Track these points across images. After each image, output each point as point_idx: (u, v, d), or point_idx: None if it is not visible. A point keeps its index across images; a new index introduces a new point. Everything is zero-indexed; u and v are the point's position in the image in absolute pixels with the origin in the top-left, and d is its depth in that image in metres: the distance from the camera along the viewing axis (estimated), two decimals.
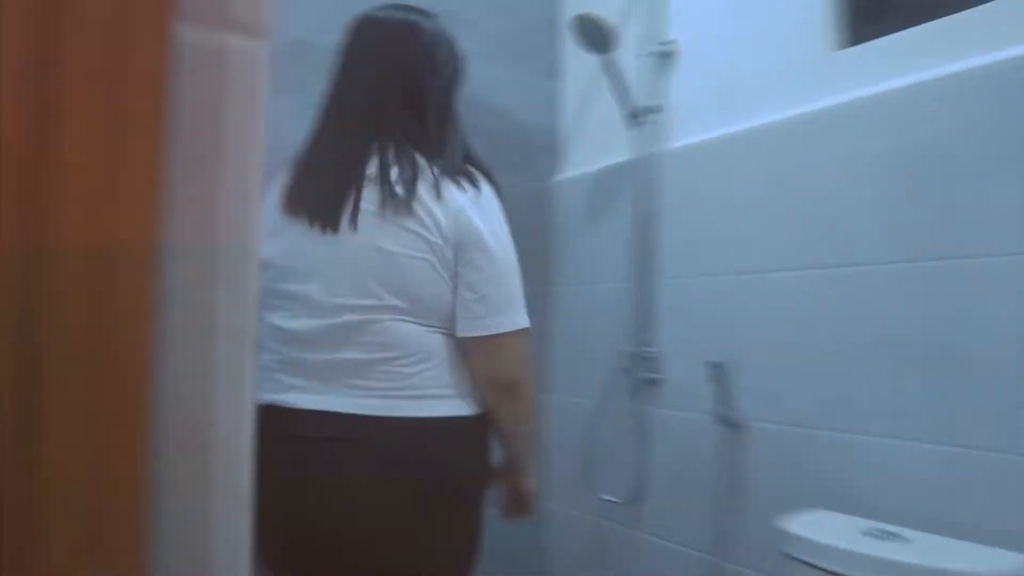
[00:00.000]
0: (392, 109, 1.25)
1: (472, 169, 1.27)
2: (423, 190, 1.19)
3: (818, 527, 1.39)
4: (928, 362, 1.40)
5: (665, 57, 2.04)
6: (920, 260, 1.42)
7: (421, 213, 1.18)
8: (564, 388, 2.36)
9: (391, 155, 1.21)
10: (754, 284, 1.74)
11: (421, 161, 1.22)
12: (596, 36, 2.00)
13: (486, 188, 1.27)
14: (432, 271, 1.19)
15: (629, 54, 2.09)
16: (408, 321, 1.19)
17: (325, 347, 1.18)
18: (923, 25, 1.47)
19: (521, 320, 1.25)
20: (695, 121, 1.96)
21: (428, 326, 1.20)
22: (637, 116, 2.03)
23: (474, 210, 1.21)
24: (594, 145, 2.31)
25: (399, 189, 1.18)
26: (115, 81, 0.47)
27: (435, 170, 1.21)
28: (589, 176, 2.30)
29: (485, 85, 2.33)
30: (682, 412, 1.92)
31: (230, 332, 0.51)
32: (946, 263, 1.38)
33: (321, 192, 1.22)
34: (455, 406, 1.21)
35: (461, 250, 1.20)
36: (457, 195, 1.21)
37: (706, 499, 1.82)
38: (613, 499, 2.05)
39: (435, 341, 1.21)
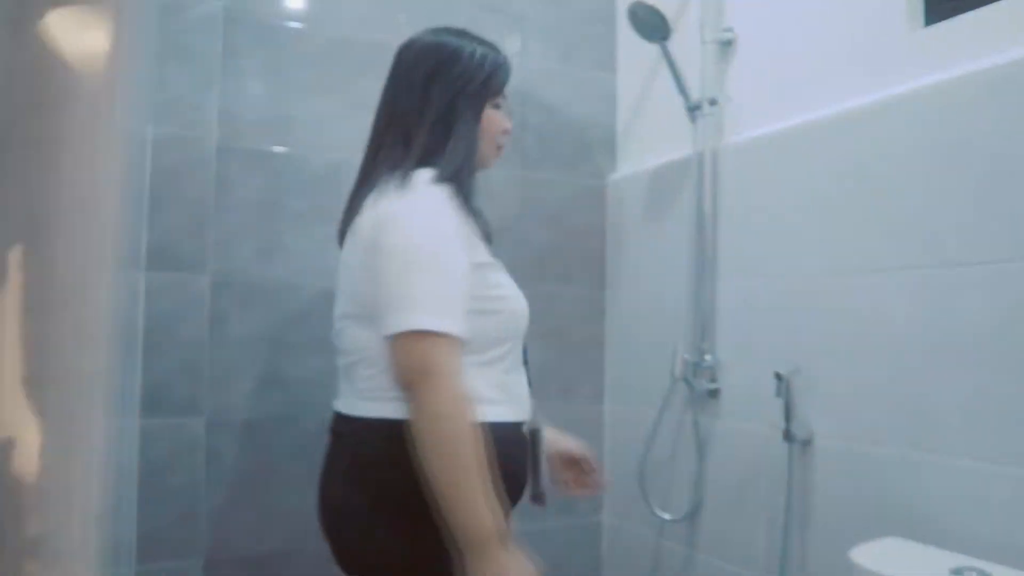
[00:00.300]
0: (386, 128, 1.33)
1: (423, 172, 1.23)
2: (371, 202, 1.24)
3: (897, 561, 1.25)
4: (1018, 374, 1.25)
5: (725, 46, 1.92)
6: (1009, 261, 1.27)
7: (361, 223, 1.24)
8: (619, 397, 2.26)
9: (371, 175, 1.30)
10: (821, 287, 1.61)
11: (386, 176, 1.24)
12: (652, 24, 1.89)
13: (423, 189, 1.20)
14: (365, 273, 1.20)
15: (687, 44, 1.97)
16: (362, 326, 1.22)
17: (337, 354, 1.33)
18: None
19: (414, 320, 1.12)
20: (757, 113, 1.83)
21: (377, 329, 1.18)
22: (696, 108, 1.91)
23: (392, 210, 1.19)
24: (652, 140, 2.20)
25: (354, 204, 1.31)
26: None
27: (394, 182, 1.22)
28: (646, 173, 2.18)
29: (538, 79, 2.25)
30: (744, 424, 1.79)
31: None
32: None
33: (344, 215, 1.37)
34: (393, 409, 1.16)
35: (370, 252, 1.19)
36: (391, 201, 1.20)
37: (768, 519, 1.69)
38: (668, 516, 1.93)
39: (381, 344, 1.17)
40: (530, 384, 1.35)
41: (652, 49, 1.99)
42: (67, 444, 0.46)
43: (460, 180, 1.24)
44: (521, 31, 2.23)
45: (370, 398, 1.21)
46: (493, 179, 2.03)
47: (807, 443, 1.61)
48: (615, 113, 2.35)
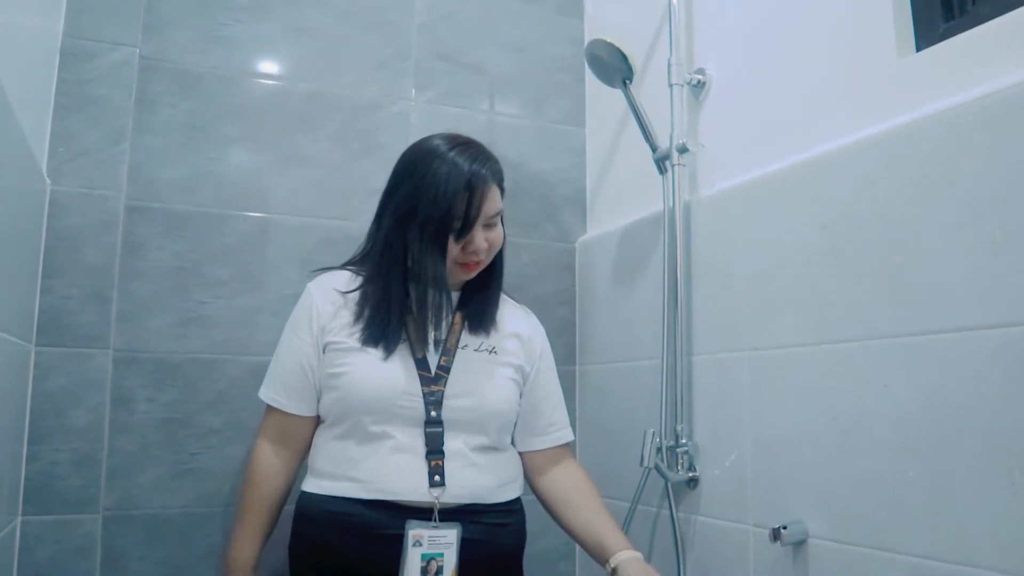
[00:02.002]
0: None
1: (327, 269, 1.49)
2: None
3: None
4: None
5: (696, 89, 1.72)
6: None
7: None
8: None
9: None
10: (811, 359, 1.36)
11: None
12: (613, 65, 1.72)
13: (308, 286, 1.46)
14: None
15: (655, 89, 1.78)
16: None
17: None
18: (1015, 11, 1.11)
19: (261, 391, 1.45)
20: (732, 160, 1.62)
21: None
22: (665, 158, 1.71)
23: None
24: (623, 196, 2.00)
25: None
26: None
27: None
28: (615, 234, 1.97)
29: (503, 133, 2.07)
30: (725, 522, 1.53)
31: None
32: None
33: None
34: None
35: None
36: None
37: None
38: None
39: None
40: (434, 474, 1.31)
41: (622, 98, 1.80)
42: None
43: (380, 282, 1.38)
44: (479, 81, 2.06)
45: None
46: None
47: (799, 545, 1.34)
48: (584, 168, 2.16)
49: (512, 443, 1.50)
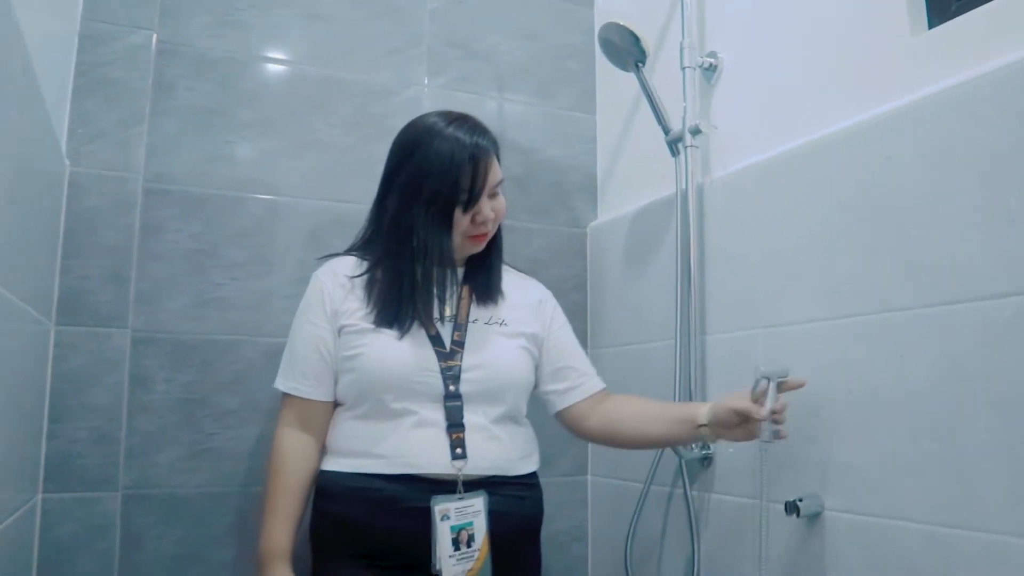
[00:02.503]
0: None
1: (333, 255, 1.50)
2: None
3: None
4: None
5: (708, 72, 1.74)
6: None
7: None
8: (603, 468, 2.01)
9: None
10: (825, 334, 1.38)
11: None
12: (626, 48, 1.73)
13: (316, 271, 1.48)
14: None
15: (668, 72, 1.79)
16: None
17: None
18: None
19: (278, 381, 1.45)
20: (745, 141, 1.63)
21: None
22: (678, 140, 1.72)
23: None
24: (634, 181, 2.01)
25: None
26: None
27: None
28: (628, 217, 1.98)
29: (513, 121, 2.08)
30: (740, 498, 1.54)
31: None
32: None
33: None
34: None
35: None
36: None
37: None
38: None
39: None
40: (456, 447, 1.34)
41: (632, 84, 1.81)
42: None
43: (389, 264, 1.41)
44: (490, 67, 2.07)
45: None
46: None
47: (815, 517, 1.35)
48: (595, 155, 2.17)
49: (552, 408, 1.53)
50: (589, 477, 2.05)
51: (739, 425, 1.30)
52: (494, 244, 1.50)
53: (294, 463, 1.39)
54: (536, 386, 1.52)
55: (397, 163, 1.42)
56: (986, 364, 1.10)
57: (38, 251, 1.36)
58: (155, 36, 1.69)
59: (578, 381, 1.52)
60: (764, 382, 1.30)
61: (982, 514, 1.09)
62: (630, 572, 1.73)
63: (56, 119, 1.47)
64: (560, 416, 1.53)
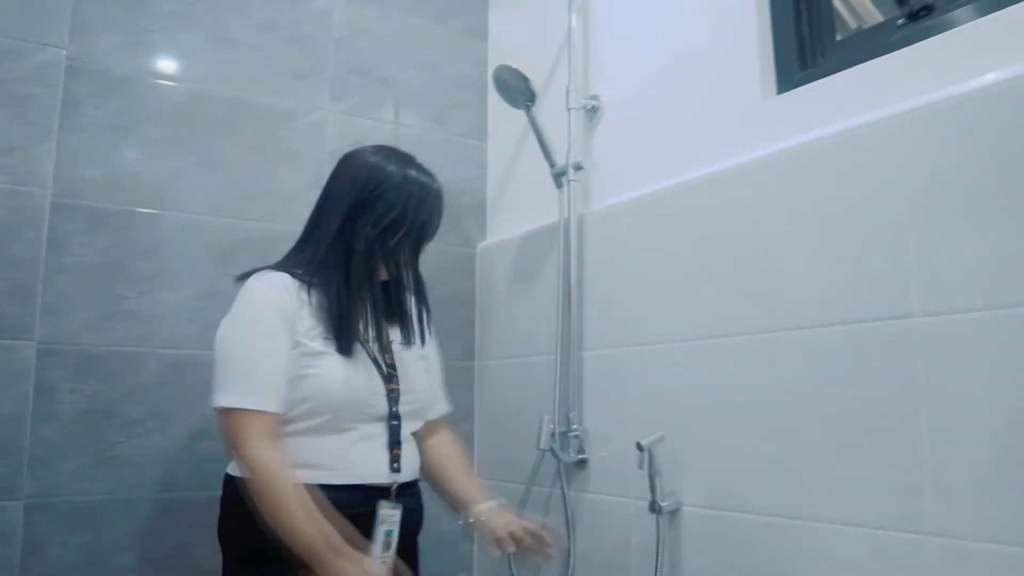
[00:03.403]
0: (310, 232, 1.53)
1: (258, 271, 1.45)
2: None
3: None
4: (879, 436, 1.23)
5: (591, 113, 1.94)
6: (865, 321, 1.27)
7: None
8: (489, 471, 2.17)
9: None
10: (685, 354, 1.59)
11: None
12: (517, 89, 1.90)
13: (249, 283, 1.43)
14: None
15: (554, 111, 1.98)
16: None
17: None
18: (859, 66, 1.38)
19: (218, 398, 1.35)
20: (621, 178, 1.84)
21: None
22: (562, 175, 1.91)
23: None
24: (521, 207, 2.19)
25: None
26: None
27: None
28: (515, 241, 2.16)
29: (409, 144, 2.19)
30: (611, 497, 1.74)
31: None
32: (898, 323, 1.22)
33: None
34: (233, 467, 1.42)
35: None
36: None
37: None
38: None
39: None
40: (394, 461, 1.46)
41: (522, 116, 1.99)
42: None
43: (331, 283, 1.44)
44: (390, 95, 2.20)
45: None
46: None
47: (674, 513, 1.57)
48: (485, 180, 2.34)
49: None
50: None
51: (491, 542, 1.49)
52: None
53: (286, 470, 1.33)
54: None
55: (360, 197, 1.46)
56: (814, 381, 1.34)
57: None
58: (64, 53, 1.73)
59: (432, 406, 1.65)
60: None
61: (809, 506, 1.33)
62: (512, 566, 1.90)
63: None
64: None
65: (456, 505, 1.59)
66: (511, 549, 1.46)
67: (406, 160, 1.53)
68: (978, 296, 1.12)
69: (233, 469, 1.43)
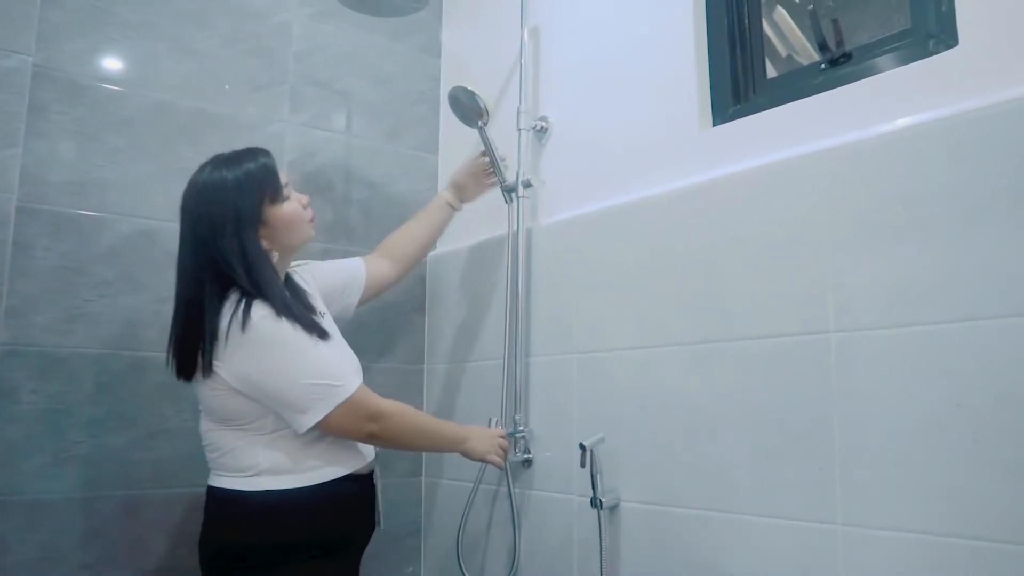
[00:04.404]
0: (201, 266, 1.51)
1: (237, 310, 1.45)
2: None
3: None
4: (797, 437, 1.38)
5: (540, 133, 2.06)
6: (787, 335, 1.42)
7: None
8: (437, 470, 2.28)
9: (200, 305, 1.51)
10: (625, 361, 1.72)
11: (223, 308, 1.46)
12: (471, 108, 2.00)
13: (256, 322, 1.43)
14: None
15: (505, 130, 2.09)
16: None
17: None
18: (787, 105, 1.52)
19: (331, 402, 1.47)
20: (567, 197, 1.96)
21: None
22: (512, 191, 2.03)
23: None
24: (472, 220, 2.29)
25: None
26: None
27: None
28: (465, 250, 2.27)
29: (363, 156, 2.30)
30: (555, 494, 1.86)
31: None
32: (815, 337, 1.37)
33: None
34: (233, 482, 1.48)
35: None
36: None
37: None
38: None
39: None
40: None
41: (473, 131, 2.09)
42: None
43: (276, 295, 1.46)
44: (347, 108, 2.28)
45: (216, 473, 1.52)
46: (315, 253, 2.04)
47: (614, 509, 1.69)
48: (436, 192, 2.43)
49: (365, 299, 1.92)
50: (423, 478, 2.31)
51: (472, 184, 2.07)
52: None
53: (406, 406, 1.60)
54: (352, 309, 1.88)
55: (221, 208, 1.47)
56: (741, 388, 1.48)
57: None
58: (31, 60, 1.76)
59: (352, 271, 1.87)
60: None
61: (735, 500, 1.47)
62: (461, 560, 2.00)
63: None
64: (371, 297, 1.93)
65: (440, 220, 2.07)
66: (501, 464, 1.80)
67: (216, 160, 1.55)
68: (884, 315, 1.28)
69: (217, 481, 1.49)
